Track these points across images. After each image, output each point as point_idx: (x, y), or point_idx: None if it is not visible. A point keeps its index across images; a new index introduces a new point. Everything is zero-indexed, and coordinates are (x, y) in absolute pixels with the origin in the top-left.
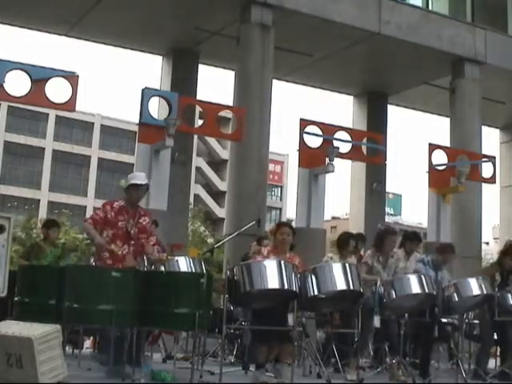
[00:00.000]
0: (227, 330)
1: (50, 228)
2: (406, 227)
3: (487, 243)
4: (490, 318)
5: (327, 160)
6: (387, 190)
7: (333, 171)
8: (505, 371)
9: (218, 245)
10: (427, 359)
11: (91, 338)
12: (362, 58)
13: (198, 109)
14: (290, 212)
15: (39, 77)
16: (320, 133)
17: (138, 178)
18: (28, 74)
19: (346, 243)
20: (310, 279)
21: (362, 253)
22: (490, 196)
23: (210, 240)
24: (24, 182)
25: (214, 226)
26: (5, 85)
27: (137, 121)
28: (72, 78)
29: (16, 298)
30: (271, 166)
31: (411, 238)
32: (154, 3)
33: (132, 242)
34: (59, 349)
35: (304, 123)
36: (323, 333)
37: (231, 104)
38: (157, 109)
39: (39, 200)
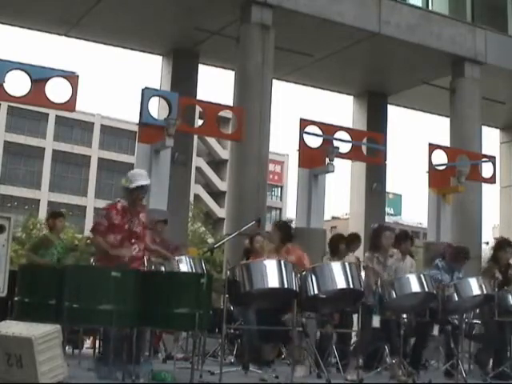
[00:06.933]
0: (227, 330)
1: (56, 218)
2: (406, 227)
3: (487, 243)
4: (491, 318)
5: (327, 160)
6: (387, 189)
7: (333, 171)
8: (505, 371)
9: (218, 245)
10: (418, 355)
11: (91, 337)
12: (362, 57)
13: (198, 109)
14: (290, 212)
15: (39, 77)
16: (320, 133)
17: (143, 177)
18: (28, 74)
19: (336, 246)
20: (309, 279)
21: (355, 254)
22: (490, 196)
23: (210, 240)
24: (24, 182)
25: (214, 225)
26: (5, 85)
27: (137, 121)
28: (72, 78)
29: (16, 298)
30: (271, 166)
31: (404, 238)
32: (153, 3)
33: (139, 241)
34: (59, 349)
35: (304, 123)
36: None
37: (231, 104)
38: (157, 109)
39: (39, 200)
